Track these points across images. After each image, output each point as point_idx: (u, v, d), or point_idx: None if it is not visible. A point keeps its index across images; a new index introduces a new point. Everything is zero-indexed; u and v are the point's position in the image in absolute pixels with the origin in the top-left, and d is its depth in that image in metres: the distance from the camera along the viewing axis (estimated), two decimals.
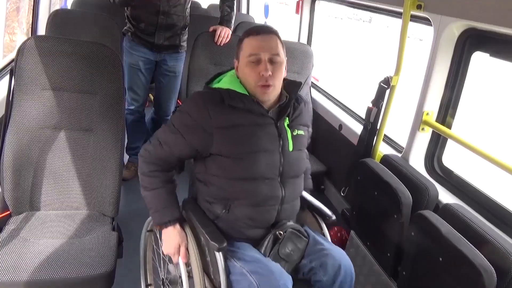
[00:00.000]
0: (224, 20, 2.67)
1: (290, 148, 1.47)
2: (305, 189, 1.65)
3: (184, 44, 2.72)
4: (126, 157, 1.88)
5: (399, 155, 2.10)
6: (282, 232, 1.44)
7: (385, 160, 2.02)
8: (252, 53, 1.41)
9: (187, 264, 1.47)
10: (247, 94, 1.44)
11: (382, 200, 1.82)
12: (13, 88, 1.71)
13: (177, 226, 1.46)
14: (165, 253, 1.48)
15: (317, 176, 2.72)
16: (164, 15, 2.51)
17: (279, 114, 1.48)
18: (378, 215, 1.86)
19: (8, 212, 1.71)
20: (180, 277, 1.46)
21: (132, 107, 2.69)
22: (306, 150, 1.62)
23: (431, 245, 1.50)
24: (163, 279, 1.66)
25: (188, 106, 1.44)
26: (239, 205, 1.42)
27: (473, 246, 1.38)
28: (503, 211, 1.66)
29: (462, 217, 1.54)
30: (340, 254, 1.46)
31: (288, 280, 1.33)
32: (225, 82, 1.48)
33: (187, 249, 1.46)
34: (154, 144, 1.45)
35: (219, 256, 1.36)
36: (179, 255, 1.45)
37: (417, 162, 2.02)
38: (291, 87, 1.51)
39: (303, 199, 1.63)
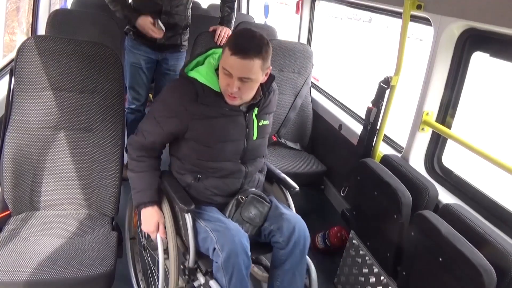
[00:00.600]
0: (225, 20, 2.67)
1: (254, 137, 1.62)
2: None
3: (185, 43, 2.73)
4: (126, 157, 1.88)
5: (399, 155, 2.10)
6: (244, 197, 1.60)
7: (385, 160, 2.02)
8: (226, 68, 1.45)
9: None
10: (220, 91, 1.53)
11: (382, 200, 1.82)
12: (13, 88, 1.71)
13: (155, 207, 1.61)
14: (144, 231, 1.64)
15: (317, 176, 2.72)
16: (166, 15, 2.51)
17: (250, 106, 1.60)
18: (378, 215, 1.86)
19: (8, 212, 1.71)
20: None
21: (133, 106, 2.70)
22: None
23: (431, 245, 1.50)
24: (144, 244, 1.87)
25: (166, 97, 1.58)
26: (207, 177, 1.60)
27: (473, 246, 1.37)
28: (503, 211, 1.66)
29: (462, 217, 1.54)
30: (295, 219, 1.60)
31: (243, 237, 1.49)
32: (203, 75, 1.55)
33: (164, 225, 1.62)
34: (139, 134, 1.61)
35: (188, 217, 1.54)
36: (157, 232, 1.60)
37: (417, 162, 2.02)
38: (268, 80, 1.59)
39: (271, 173, 1.81)
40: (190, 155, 1.59)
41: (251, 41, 1.44)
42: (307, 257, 1.63)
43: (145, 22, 2.40)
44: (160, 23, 2.41)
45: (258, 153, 1.68)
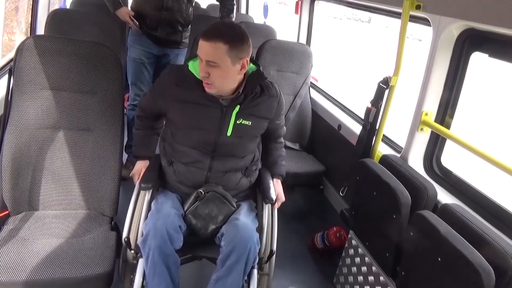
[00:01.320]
0: None
1: (228, 134, 1.62)
2: (280, 157, 1.85)
3: (186, 41, 2.78)
4: (125, 156, 1.88)
5: (398, 155, 2.10)
6: (204, 192, 1.61)
7: (384, 160, 2.02)
8: (197, 52, 1.51)
9: None
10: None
11: (381, 200, 1.82)
12: (12, 87, 1.71)
13: (146, 160, 1.80)
14: (130, 175, 1.81)
15: (316, 176, 2.73)
16: (167, 11, 2.57)
17: (232, 101, 1.61)
18: (377, 215, 1.87)
19: (7, 212, 1.71)
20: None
21: (135, 103, 2.71)
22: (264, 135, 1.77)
23: (430, 245, 1.50)
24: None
25: (164, 75, 1.68)
26: (177, 162, 1.67)
27: (471, 246, 1.38)
28: (502, 211, 1.66)
29: (460, 217, 1.54)
30: (244, 228, 1.55)
31: (169, 224, 1.51)
32: (193, 63, 1.61)
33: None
34: (145, 95, 1.81)
35: (146, 195, 1.64)
36: (138, 176, 1.75)
37: (416, 162, 2.02)
38: (254, 79, 1.61)
39: (260, 180, 1.78)
40: (168, 137, 1.69)
41: (218, 26, 1.53)
42: (255, 272, 1.57)
43: (126, 12, 2.60)
44: (136, 23, 2.61)
45: (233, 152, 1.65)
